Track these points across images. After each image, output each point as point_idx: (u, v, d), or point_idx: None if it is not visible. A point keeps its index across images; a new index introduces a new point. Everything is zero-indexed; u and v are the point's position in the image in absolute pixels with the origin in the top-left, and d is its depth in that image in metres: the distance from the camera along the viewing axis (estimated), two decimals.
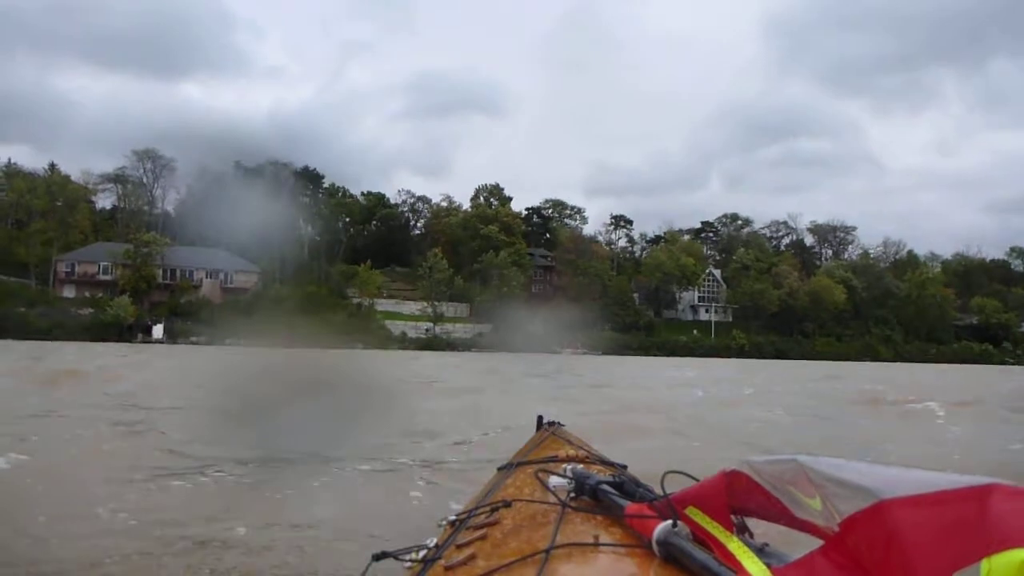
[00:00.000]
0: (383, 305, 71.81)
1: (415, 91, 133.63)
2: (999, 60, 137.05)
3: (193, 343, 58.62)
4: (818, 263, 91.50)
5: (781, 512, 1.02)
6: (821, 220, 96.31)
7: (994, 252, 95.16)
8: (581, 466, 1.86)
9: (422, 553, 1.52)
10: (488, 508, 1.68)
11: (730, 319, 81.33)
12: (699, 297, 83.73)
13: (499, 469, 2.31)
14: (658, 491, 1.32)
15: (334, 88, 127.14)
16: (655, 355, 63.97)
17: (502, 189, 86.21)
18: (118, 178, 76.70)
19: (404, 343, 66.30)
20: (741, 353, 69.11)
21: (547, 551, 1.21)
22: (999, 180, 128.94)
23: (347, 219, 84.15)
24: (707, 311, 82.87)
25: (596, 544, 1.25)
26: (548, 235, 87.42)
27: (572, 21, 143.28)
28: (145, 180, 78.45)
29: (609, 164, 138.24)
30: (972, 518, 0.74)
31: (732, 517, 1.14)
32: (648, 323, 77.70)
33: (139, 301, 62.83)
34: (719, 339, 75.39)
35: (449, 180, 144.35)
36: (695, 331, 78.74)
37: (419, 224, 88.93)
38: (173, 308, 63.90)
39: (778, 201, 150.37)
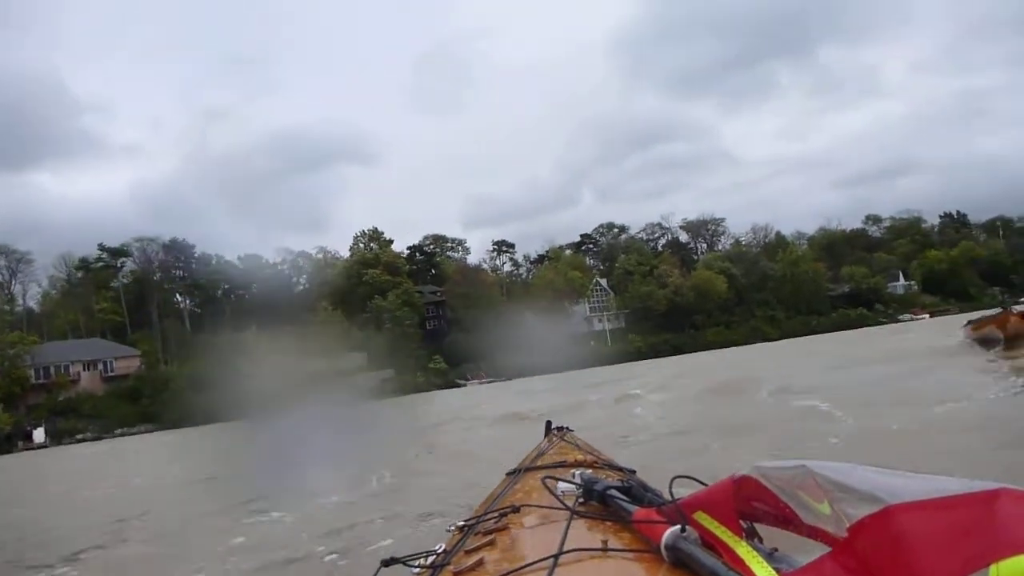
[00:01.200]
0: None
1: (283, 150, 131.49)
2: (826, 47, 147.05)
3: (80, 441, 55.31)
4: (696, 257, 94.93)
5: (790, 517, 1.01)
6: (691, 216, 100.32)
7: (852, 223, 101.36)
8: (590, 471, 1.88)
9: (431, 559, 1.52)
10: (497, 513, 1.67)
11: (623, 325, 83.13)
12: (590, 308, 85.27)
13: (508, 474, 2.31)
14: (666, 496, 1.32)
15: (197, 157, 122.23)
16: (559, 371, 64.54)
17: (381, 232, 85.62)
18: None
19: None
20: (640, 356, 70.64)
21: (556, 556, 1.21)
22: (842, 158, 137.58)
23: (226, 286, 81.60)
24: (599, 321, 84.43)
25: (604, 549, 1.24)
26: (434, 270, 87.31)
27: (427, 64, 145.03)
28: (2, 278, 73.81)
29: (484, 195, 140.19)
30: (980, 523, 0.73)
31: (741, 522, 1.13)
32: (545, 341, 78.37)
33: (13, 407, 58.64)
34: (616, 346, 76.87)
35: (328, 233, 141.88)
36: (592, 342, 79.99)
37: (302, 280, 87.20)
38: (52, 408, 59.93)
39: (648, 206, 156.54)
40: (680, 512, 1.19)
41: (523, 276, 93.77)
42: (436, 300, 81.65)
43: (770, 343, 63.19)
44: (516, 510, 1.64)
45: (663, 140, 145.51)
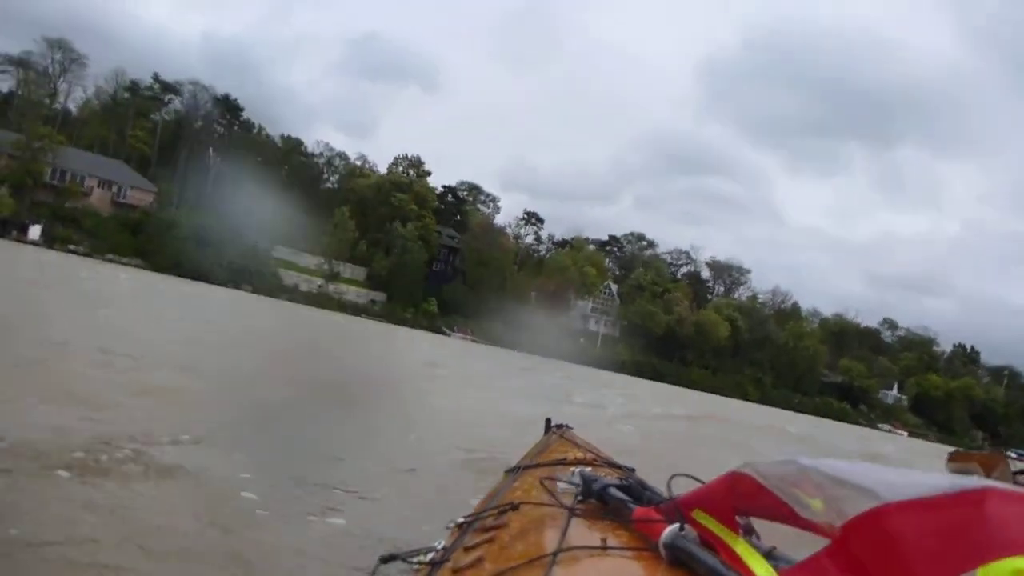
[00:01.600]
0: (281, 252, 69.90)
1: (355, 48, 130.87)
2: (904, 147, 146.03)
3: (71, 251, 55.58)
4: (710, 296, 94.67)
5: (787, 513, 1.01)
6: (720, 257, 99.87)
7: (869, 320, 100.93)
8: (589, 469, 1.88)
9: (429, 555, 1.51)
10: (496, 511, 1.67)
11: (617, 334, 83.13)
12: (592, 308, 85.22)
13: (507, 472, 2.32)
14: (665, 494, 1.33)
15: (272, 24, 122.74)
16: (542, 356, 64.68)
17: (422, 162, 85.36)
18: (21, 62, 71.25)
19: (293, 295, 64.75)
20: (622, 368, 70.69)
21: (554, 554, 1.20)
22: (882, 255, 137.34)
23: (259, 159, 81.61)
24: (597, 323, 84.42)
25: (603, 547, 1.24)
26: (459, 216, 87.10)
27: (523, 17, 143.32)
28: (51, 71, 73.48)
29: (529, 162, 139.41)
30: (968, 524, 0.74)
31: (738, 519, 1.13)
32: (539, 326, 78.54)
33: (20, 197, 58.80)
34: (604, 351, 76.93)
35: (371, 142, 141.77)
36: (582, 340, 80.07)
37: (332, 179, 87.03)
38: (56, 211, 60.10)
39: (682, 230, 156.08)
40: (678, 510, 1.19)
41: (541, 253, 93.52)
42: (451, 245, 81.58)
43: (750, 403, 63.16)
44: (515, 507, 1.63)
45: (718, 174, 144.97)
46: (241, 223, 67.37)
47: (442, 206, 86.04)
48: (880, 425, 77.54)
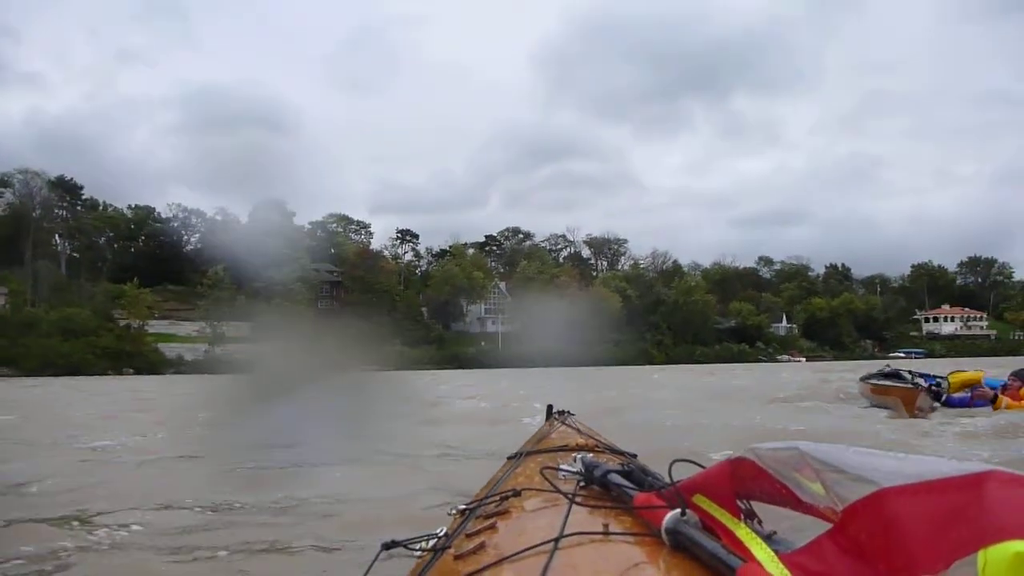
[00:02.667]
0: (156, 327, 66.73)
1: (192, 104, 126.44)
2: (738, 96, 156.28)
3: None
4: (595, 274, 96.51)
5: (788, 496, 1.02)
6: (596, 233, 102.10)
7: (746, 261, 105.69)
8: (591, 455, 1.86)
9: (432, 542, 1.51)
10: (498, 497, 1.67)
11: (516, 330, 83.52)
12: (486, 309, 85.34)
13: (509, 458, 2.33)
14: (667, 479, 1.32)
15: (101, 97, 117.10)
16: (447, 368, 64.23)
17: (284, 203, 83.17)
18: None
19: (180, 367, 61.89)
20: (529, 362, 70.92)
21: (556, 540, 1.20)
22: (740, 200, 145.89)
23: (111, 234, 77.58)
24: (494, 323, 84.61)
25: (605, 533, 1.24)
26: (333, 250, 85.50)
27: (355, 43, 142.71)
28: None
29: (393, 182, 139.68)
30: (969, 507, 0.74)
31: (739, 503, 1.14)
32: (438, 337, 78.08)
33: None
34: (507, 350, 77.15)
35: (229, 195, 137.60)
36: (483, 343, 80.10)
37: (193, 240, 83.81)
38: None
39: (554, 218, 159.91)
40: (680, 495, 1.19)
41: (423, 268, 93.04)
42: (332, 280, 79.93)
43: (656, 366, 64.55)
44: (517, 494, 1.64)
45: (576, 156, 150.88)
46: (106, 305, 63.88)
47: (314, 243, 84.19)
48: (779, 357, 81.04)
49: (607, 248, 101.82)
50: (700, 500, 1.17)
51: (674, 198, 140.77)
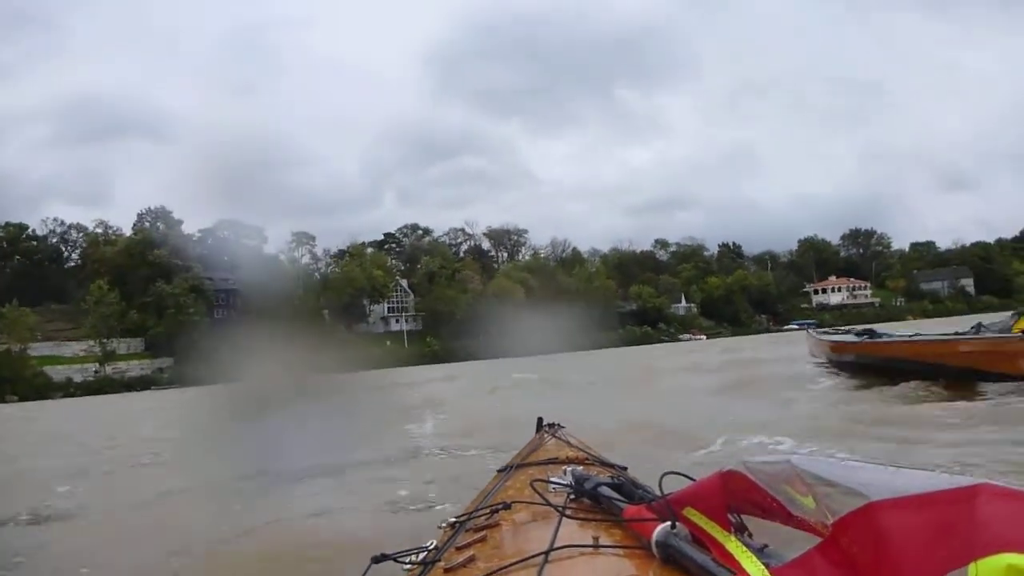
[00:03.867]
0: (39, 349, 63.11)
1: (67, 115, 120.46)
2: (623, 88, 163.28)
3: None
4: (496, 266, 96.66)
5: (778, 510, 1.02)
6: (495, 225, 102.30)
7: (642, 246, 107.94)
8: (581, 468, 1.86)
9: (421, 555, 1.50)
10: (488, 510, 1.66)
11: (421, 327, 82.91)
12: (389, 308, 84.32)
13: (499, 471, 2.31)
14: (657, 492, 1.32)
15: None
16: (352, 371, 63.05)
17: (170, 212, 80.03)
18: None
19: (69, 389, 58.77)
20: (435, 358, 70.64)
21: (546, 553, 1.21)
22: (631, 187, 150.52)
23: None
24: (397, 321, 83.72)
25: (595, 546, 1.25)
26: (227, 257, 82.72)
27: (239, 45, 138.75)
28: None
29: (286, 186, 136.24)
30: (960, 520, 0.74)
31: (730, 516, 1.15)
32: (341, 339, 76.65)
33: None
34: (413, 347, 76.48)
35: (110, 208, 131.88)
36: (388, 342, 79.17)
37: (74, 256, 79.61)
38: None
39: (451, 214, 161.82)
40: (670, 508, 1.19)
41: (322, 270, 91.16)
42: (227, 288, 77.32)
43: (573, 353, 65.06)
44: (507, 507, 1.64)
45: (468, 152, 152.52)
46: None
47: (205, 252, 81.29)
48: (681, 336, 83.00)
49: (507, 239, 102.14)
50: (691, 513, 1.17)
51: (567, 189, 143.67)
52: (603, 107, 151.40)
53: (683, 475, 1.32)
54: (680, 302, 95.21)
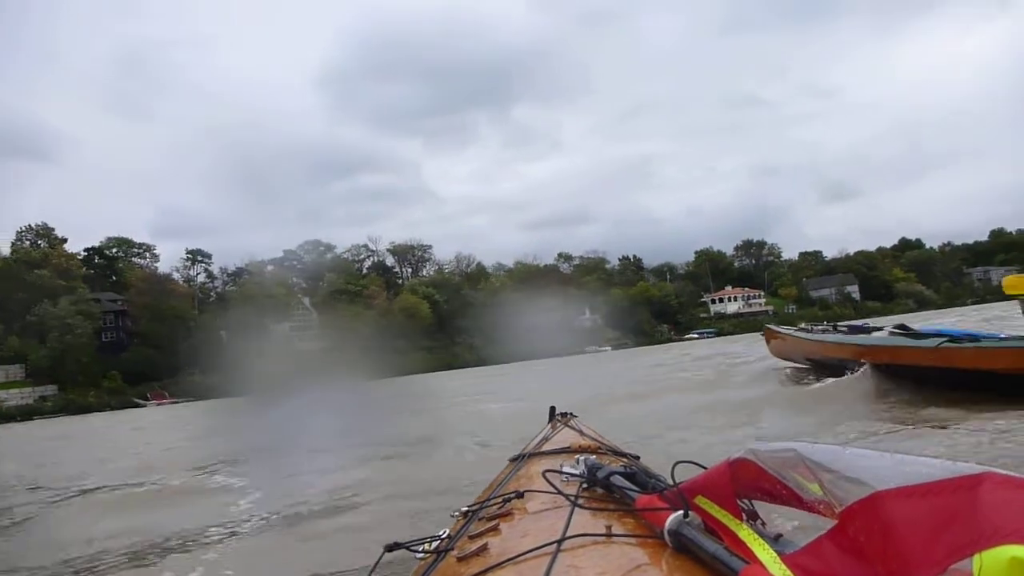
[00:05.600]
0: None
1: None
2: (520, 106, 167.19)
3: None
4: (401, 282, 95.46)
5: (789, 496, 1.02)
6: (398, 241, 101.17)
7: (546, 260, 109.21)
8: (593, 457, 1.86)
9: (434, 544, 1.52)
10: (500, 499, 1.67)
11: (325, 346, 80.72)
12: (291, 327, 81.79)
13: (511, 460, 2.31)
14: (669, 481, 1.32)
15: None
16: (240, 396, 60.59)
17: (51, 229, 75.45)
18: None
19: None
20: (339, 378, 68.68)
21: (559, 542, 1.21)
22: (531, 202, 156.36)
23: None
24: (301, 340, 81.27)
25: (608, 535, 1.24)
26: (116, 277, 78.54)
27: (130, 66, 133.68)
28: None
29: (180, 206, 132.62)
30: (964, 510, 0.74)
31: (742, 503, 1.15)
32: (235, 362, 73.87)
33: None
34: (315, 367, 74.31)
35: None
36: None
37: None
38: None
39: (352, 232, 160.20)
40: (683, 497, 1.19)
41: (219, 289, 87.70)
42: (116, 309, 73.34)
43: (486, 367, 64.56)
44: (520, 495, 1.64)
45: (369, 170, 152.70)
46: None
47: (92, 271, 76.98)
48: (587, 348, 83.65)
49: (411, 255, 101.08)
50: (702, 502, 1.17)
51: (469, 206, 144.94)
52: (502, 125, 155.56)
53: (695, 463, 1.32)
54: (584, 314, 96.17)
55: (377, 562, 1.49)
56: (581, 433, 2.55)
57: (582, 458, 1.77)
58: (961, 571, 0.71)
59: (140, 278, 76.90)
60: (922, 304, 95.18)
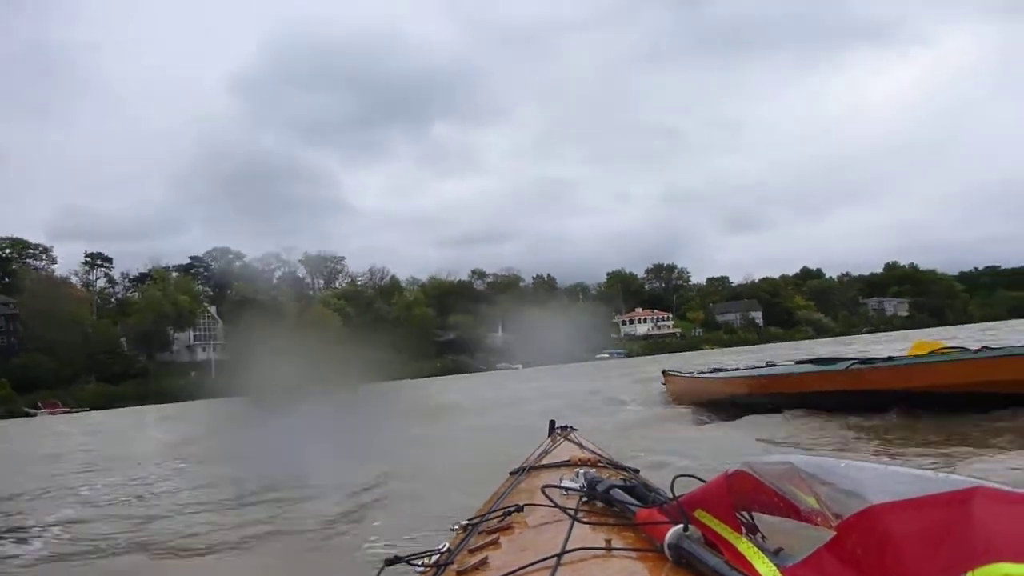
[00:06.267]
0: None
1: None
2: (439, 124, 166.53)
3: None
4: (312, 293, 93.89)
5: (787, 508, 1.02)
6: (311, 252, 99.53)
7: (461, 276, 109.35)
8: (593, 470, 1.87)
9: (434, 558, 1.51)
10: (500, 513, 1.66)
11: (230, 356, 78.66)
12: (195, 336, 79.44)
13: (511, 473, 2.31)
14: (669, 495, 1.31)
15: None
16: (152, 403, 58.61)
17: None
18: None
19: None
20: (244, 391, 67.07)
21: (559, 556, 1.21)
22: (447, 219, 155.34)
23: None
24: (204, 350, 79.02)
25: (608, 549, 1.24)
26: (8, 279, 74.77)
27: (23, 62, 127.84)
28: None
29: (83, 208, 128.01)
30: (956, 526, 0.75)
31: (741, 515, 1.15)
32: (142, 369, 71.13)
33: None
34: (221, 378, 72.26)
35: None
36: (193, 372, 74.43)
37: None
38: None
39: (264, 242, 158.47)
40: (682, 511, 1.19)
41: (120, 295, 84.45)
42: (7, 313, 69.77)
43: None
44: (520, 509, 1.64)
45: (284, 180, 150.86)
46: None
47: None
48: (499, 365, 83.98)
49: (323, 266, 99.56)
50: (701, 515, 1.16)
51: (385, 220, 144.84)
52: (421, 141, 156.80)
53: (694, 477, 1.32)
54: (497, 332, 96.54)
55: None
56: (581, 446, 2.57)
57: (582, 471, 1.79)
58: None
59: (34, 281, 73.41)
60: (820, 331, 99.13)
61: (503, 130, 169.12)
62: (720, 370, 10.83)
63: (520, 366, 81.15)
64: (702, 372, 11.20)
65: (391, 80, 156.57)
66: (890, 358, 7.00)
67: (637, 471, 2.11)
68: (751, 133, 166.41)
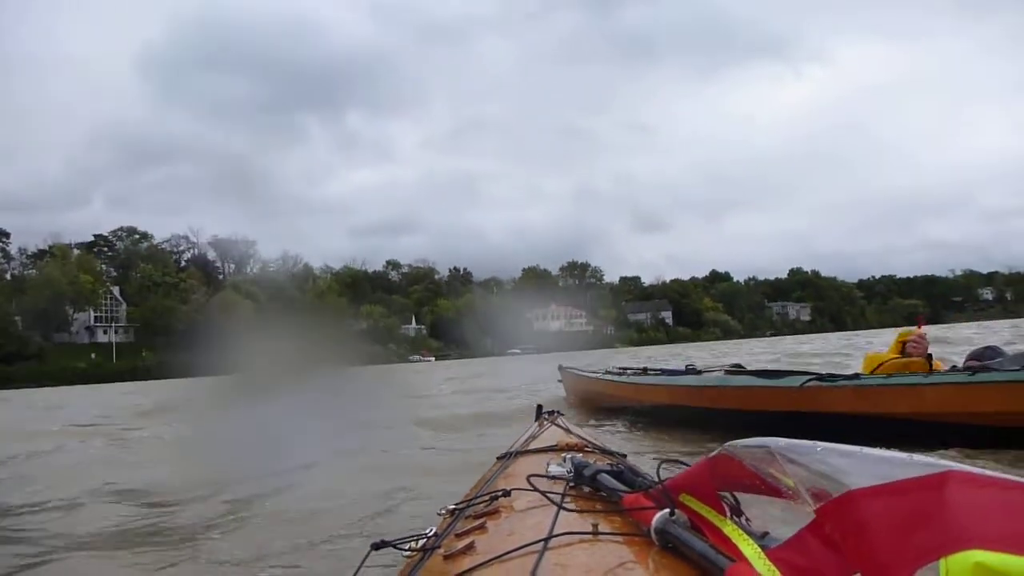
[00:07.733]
0: None
1: None
2: (352, 112, 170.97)
3: None
4: (222, 277, 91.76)
5: (769, 487, 1.02)
6: (222, 235, 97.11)
7: (374, 266, 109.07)
8: (580, 455, 1.86)
9: (421, 542, 1.50)
10: (487, 497, 1.66)
11: (133, 339, 76.29)
12: (96, 317, 76.68)
13: (498, 458, 2.31)
14: (655, 479, 1.32)
15: None
16: (48, 386, 56.50)
17: None
18: None
19: None
20: (149, 375, 65.34)
21: (546, 540, 1.21)
22: (359, 208, 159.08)
23: None
24: (106, 332, 76.41)
25: (595, 533, 1.24)
26: None
27: None
28: None
29: None
30: (930, 512, 0.76)
31: (726, 495, 1.15)
32: (38, 350, 68.28)
33: None
34: (124, 361, 70.06)
35: None
36: (93, 355, 71.95)
37: None
38: None
39: (170, 221, 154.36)
40: (668, 495, 1.19)
41: (16, 271, 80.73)
42: None
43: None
44: (507, 494, 1.64)
45: (192, 160, 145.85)
46: None
47: None
48: (411, 357, 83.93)
49: (234, 250, 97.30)
50: (687, 499, 1.17)
51: (296, 206, 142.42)
52: (334, 128, 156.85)
53: (679, 462, 1.34)
54: (411, 323, 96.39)
55: (363, 560, 1.50)
56: (568, 431, 2.60)
57: (569, 456, 1.79)
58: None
59: None
60: (727, 333, 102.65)
61: (418, 121, 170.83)
62: (627, 370, 9.62)
63: (432, 359, 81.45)
64: (608, 371, 9.90)
65: (306, 66, 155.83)
66: (856, 375, 5.75)
67: (624, 456, 2.12)
68: (661, 137, 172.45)
